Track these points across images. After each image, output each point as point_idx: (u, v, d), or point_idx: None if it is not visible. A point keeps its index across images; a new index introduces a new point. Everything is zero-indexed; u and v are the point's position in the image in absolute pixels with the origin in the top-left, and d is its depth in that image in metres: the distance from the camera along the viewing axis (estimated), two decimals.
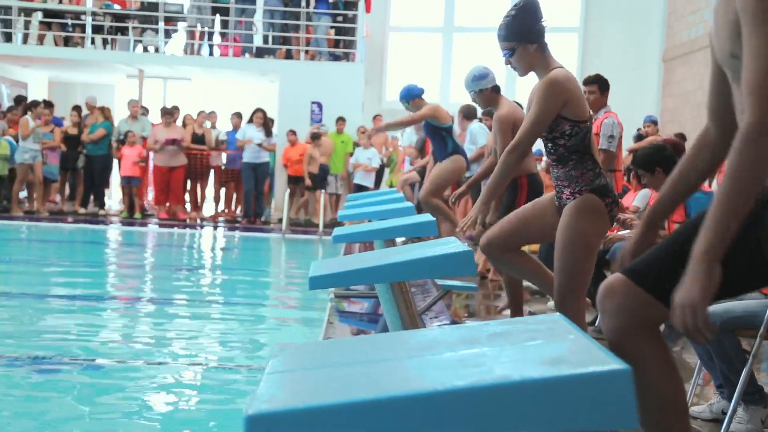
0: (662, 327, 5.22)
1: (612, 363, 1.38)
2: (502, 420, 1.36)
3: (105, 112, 14.31)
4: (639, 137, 10.96)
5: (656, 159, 5.46)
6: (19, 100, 15.15)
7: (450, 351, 1.56)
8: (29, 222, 12.91)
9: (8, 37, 15.82)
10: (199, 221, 13.95)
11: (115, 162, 14.25)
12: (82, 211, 14.03)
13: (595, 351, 1.49)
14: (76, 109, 14.35)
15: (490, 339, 1.65)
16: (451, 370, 1.49)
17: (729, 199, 1.72)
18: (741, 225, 1.73)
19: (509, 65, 3.88)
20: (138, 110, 14.34)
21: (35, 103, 14.01)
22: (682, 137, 11.31)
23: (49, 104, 14.29)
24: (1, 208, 13.70)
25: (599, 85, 7.16)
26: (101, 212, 14.10)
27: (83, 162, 13.84)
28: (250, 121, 13.81)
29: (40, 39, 16.04)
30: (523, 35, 3.76)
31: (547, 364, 1.44)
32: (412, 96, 7.71)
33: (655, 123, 11.29)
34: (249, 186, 13.76)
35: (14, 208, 13.47)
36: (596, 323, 5.88)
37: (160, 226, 13.22)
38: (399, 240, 3.22)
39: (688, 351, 5.06)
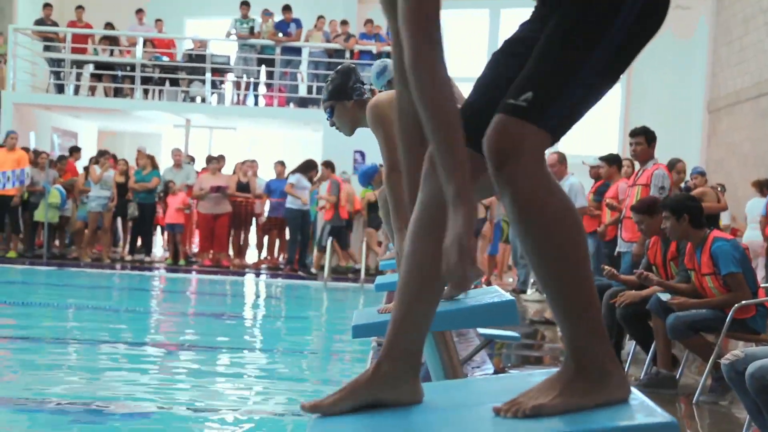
0: (710, 381, 5.14)
1: (659, 416, 1.38)
2: None
3: (153, 160, 14.59)
4: (687, 189, 10.86)
5: (688, 206, 5.47)
6: (73, 150, 15.54)
7: (494, 402, 1.56)
8: (78, 269, 13.11)
9: (60, 89, 16.25)
10: (252, 269, 14.05)
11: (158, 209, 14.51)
12: (128, 258, 14.23)
13: (643, 401, 1.48)
14: (123, 158, 14.67)
15: None
16: (498, 420, 1.49)
17: (432, 138, 1.59)
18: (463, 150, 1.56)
19: (334, 126, 4.01)
20: (181, 158, 14.58)
21: (102, 153, 14.39)
22: (722, 188, 11.25)
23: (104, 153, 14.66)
24: (56, 254, 13.97)
25: (646, 136, 7.16)
26: (147, 259, 14.28)
27: (135, 209, 14.04)
28: (299, 170, 13.77)
29: (91, 90, 16.46)
30: (339, 94, 3.91)
31: (595, 415, 1.44)
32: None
33: (703, 174, 11.19)
34: (294, 233, 13.77)
35: (83, 255, 13.78)
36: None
37: (205, 273, 13.34)
38: None
39: (736, 405, 4.96)
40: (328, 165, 13.83)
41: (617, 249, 7.67)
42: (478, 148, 1.65)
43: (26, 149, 14.19)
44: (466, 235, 1.51)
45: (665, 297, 5.49)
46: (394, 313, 1.78)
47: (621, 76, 1.71)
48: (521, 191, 1.57)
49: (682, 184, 11.04)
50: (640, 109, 16.36)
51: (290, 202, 13.67)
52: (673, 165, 9.16)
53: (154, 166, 14.50)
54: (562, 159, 9.23)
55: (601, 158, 9.29)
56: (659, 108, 16.50)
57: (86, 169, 14.48)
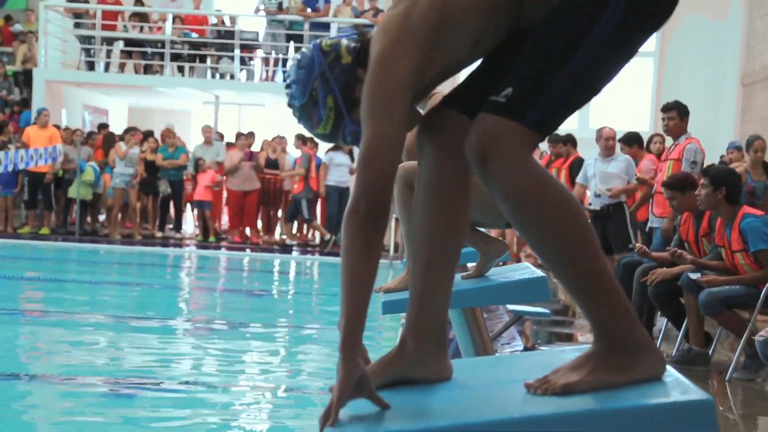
0: (743, 357, 5.09)
1: (694, 393, 1.35)
2: None
3: (178, 138, 14.63)
4: (722, 164, 10.68)
5: (728, 180, 5.41)
6: (101, 127, 15.63)
7: (525, 379, 1.55)
8: (108, 245, 13.23)
9: (91, 66, 16.33)
10: (285, 244, 14.10)
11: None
12: (159, 234, 14.33)
13: (677, 379, 1.46)
14: (152, 135, 14.71)
15: None
16: (528, 397, 1.48)
17: (341, 290, 1.62)
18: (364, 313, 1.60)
19: None
20: (211, 135, 14.61)
21: (128, 130, 14.45)
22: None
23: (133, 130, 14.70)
24: (88, 231, 14.12)
25: (678, 111, 7.08)
26: (177, 236, 14.36)
27: (167, 187, 14.07)
28: (337, 147, 13.77)
29: (121, 67, 16.53)
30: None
31: (628, 392, 1.41)
32: None
33: (739, 149, 10.97)
34: (332, 210, 13.76)
35: (113, 233, 13.89)
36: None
37: (234, 249, 13.41)
38: (470, 265, 3.20)
39: None
40: (299, 137, 14.02)
41: (648, 225, 7.59)
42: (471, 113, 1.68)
43: (57, 126, 14.30)
44: (338, 389, 1.53)
45: (695, 275, 5.43)
46: (411, 290, 1.78)
47: (617, 72, 1.67)
48: (508, 189, 1.57)
49: (715, 157, 10.85)
50: (672, 84, 16.14)
51: (330, 180, 13.65)
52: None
53: (180, 144, 14.56)
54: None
55: (620, 140, 9.02)
56: (692, 82, 16.26)
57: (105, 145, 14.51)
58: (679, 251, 5.64)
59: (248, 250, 13.37)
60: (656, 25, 1.67)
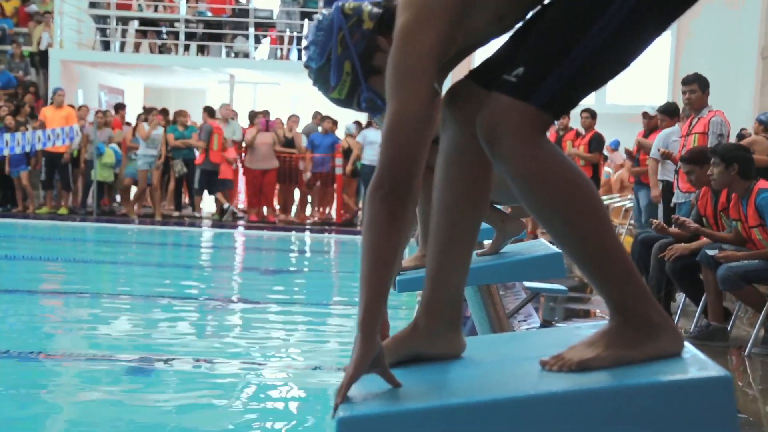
0: (762, 332, 5.05)
1: (712, 370, 1.34)
2: (595, 425, 1.33)
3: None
4: (740, 137, 10.55)
5: (739, 156, 5.36)
6: (118, 107, 15.65)
7: (540, 356, 1.54)
8: (125, 225, 13.30)
9: (106, 45, 16.35)
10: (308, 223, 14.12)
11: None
12: (176, 214, 14.38)
13: (695, 355, 1.45)
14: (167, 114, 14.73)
15: None
16: (543, 374, 1.47)
17: (361, 266, 1.59)
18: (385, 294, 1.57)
19: None
20: (230, 114, 14.61)
21: (149, 110, 14.46)
22: None
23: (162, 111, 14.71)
24: (107, 211, 14.19)
25: (699, 84, 6.98)
26: (195, 215, 14.39)
27: (182, 166, 14.08)
28: (369, 125, 13.74)
29: (136, 47, 16.54)
30: None
31: (645, 369, 1.40)
32: None
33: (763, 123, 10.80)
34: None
35: (131, 212, 13.96)
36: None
37: (252, 228, 13.44)
38: (486, 242, 3.19)
39: None
40: (206, 109, 14.24)
41: (673, 200, 7.49)
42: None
43: (72, 106, 14.34)
44: (353, 366, 1.51)
45: (712, 251, 5.39)
46: (428, 267, 1.76)
47: (635, 56, 1.63)
48: (515, 169, 1.55)
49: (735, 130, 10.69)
50: (690, 56, 15.98)
51: (365, 159, 13.60)
52: None
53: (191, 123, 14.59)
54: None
55: (659, 110, 8.85)
56: (710, 54, 16.09)
57: (131, 124, 14.53)
58: (682, 218, 5.64)
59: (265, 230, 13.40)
60: (672, 17, 1.63)
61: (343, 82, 1.88)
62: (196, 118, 14.85)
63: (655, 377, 1.35)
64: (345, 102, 1.93)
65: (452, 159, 1.74)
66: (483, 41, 1.78)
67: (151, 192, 14.23)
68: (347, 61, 1.86)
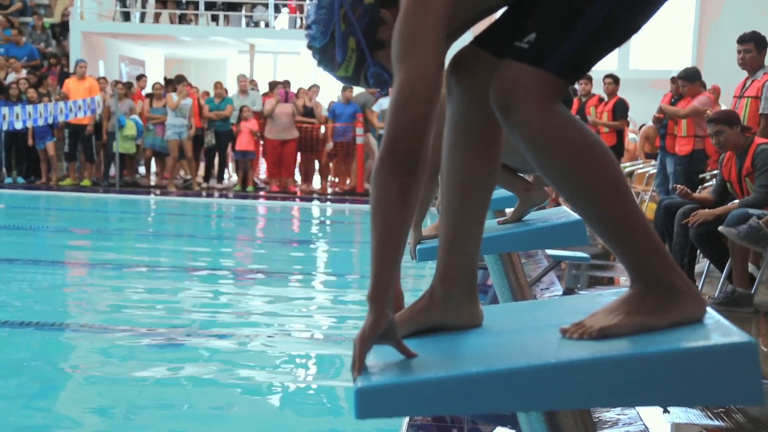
0: None
1: (735, 335, 1.32)
2: (615, 393, 1.32)
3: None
4: None
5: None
6: (139, 77, 15.66)
7: (561, 324, 1.52)
8: (146, 197, 13.37)
9: (126, 17, 16.35)
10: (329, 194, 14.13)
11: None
12: (204, 185, 14.42)
13: (718, 320, 1.42)
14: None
15: None
16: (564, 342, 1.45)
17: (372, 239, 1.56)
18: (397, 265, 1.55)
19: None
20: (247, 85, 14.57)
21: (179, 79, 14.42)
22: None
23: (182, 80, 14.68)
24: (130, 182, 14.25)
25: (756, 42, 6.64)
26: (219, 186, 14.41)
27: (212, 138, 14.08)
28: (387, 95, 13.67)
29: (156, 17, 16.52)
30: None
31: (667, 335, 1.38)
32: None
33: None
34: None
35: (170, 185, 14.02)
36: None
37: (274, 199, 13.47)
38: (508, 210, 3.16)
39: None
40: (180, 80, 14.31)
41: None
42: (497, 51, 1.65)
43: (95, 78, 14.37)
44: (360, 338, 1.51)
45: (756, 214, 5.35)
46: (441, 236, 1.74)
47: (651, 14, 1.59)
48: (529, 137, 1.53)
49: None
50: (715, 18, 15.70)
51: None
52: None
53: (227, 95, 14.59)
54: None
55: (679, 75, 8.66)
56: (738, 17, 15.82)
57: (149, 96, 14.51)
58: (685, 189, 5.89)
59: (287, 200, 13.41)
60: None
61: (349, 58, 1.85)
62: (209, 88, 14.84)
63: (677, 344, 1.33)
64: (352, 79, 1.90)
65: (460, 127, 1.72)
66: (492, 9, 1.75)
67: (187, 163, 14.25)
68: (351, 37, 1.83)
